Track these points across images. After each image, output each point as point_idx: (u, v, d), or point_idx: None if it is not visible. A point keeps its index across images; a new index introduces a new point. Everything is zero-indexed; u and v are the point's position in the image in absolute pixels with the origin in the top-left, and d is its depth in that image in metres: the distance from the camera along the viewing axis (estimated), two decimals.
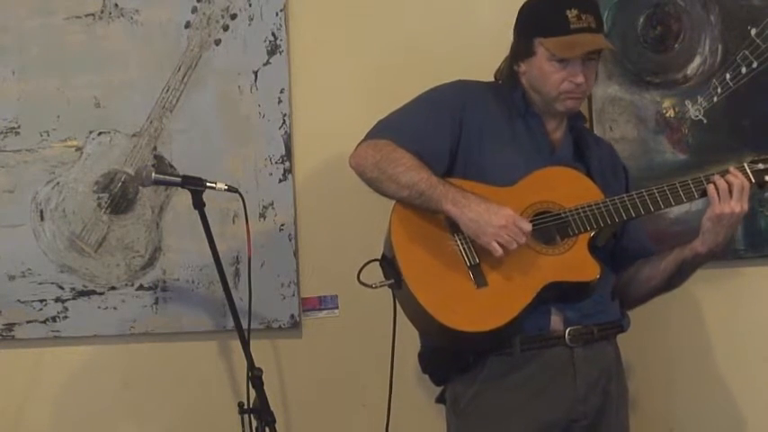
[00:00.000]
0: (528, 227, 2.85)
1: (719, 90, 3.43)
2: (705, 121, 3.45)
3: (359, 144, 2.99)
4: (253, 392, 3.12)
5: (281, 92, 3.62)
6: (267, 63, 3.63)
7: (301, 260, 3.63)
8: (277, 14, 3.62)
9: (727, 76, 3.43)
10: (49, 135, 3.71)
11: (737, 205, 2.87)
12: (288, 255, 3.61)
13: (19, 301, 3.71)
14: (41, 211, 3.72)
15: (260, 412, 3.10)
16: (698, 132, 3.46)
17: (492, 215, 2.83)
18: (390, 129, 2.97)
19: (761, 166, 2.89)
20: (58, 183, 3.71)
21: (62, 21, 3.70)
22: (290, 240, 3.62)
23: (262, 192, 3.62)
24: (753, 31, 3.41)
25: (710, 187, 2.87)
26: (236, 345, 3.25)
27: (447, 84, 3.06)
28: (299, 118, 3.64)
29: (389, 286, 2.96)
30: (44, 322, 3.71)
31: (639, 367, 3.13)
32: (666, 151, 3.47)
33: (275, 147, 3.62)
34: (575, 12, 2.90)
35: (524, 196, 2.92)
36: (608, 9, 3.44)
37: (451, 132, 2.97)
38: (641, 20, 3.47)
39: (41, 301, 3.71)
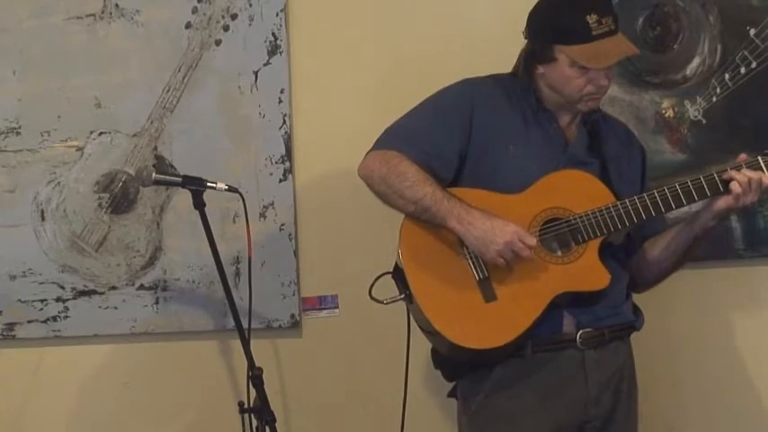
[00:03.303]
0: (533, 241, 2.83)
1: (718, 90, 3.43)
2: (704, 122, 3.45)
3: (367, 153, 2.96)
4: (253, 392, 3.12)
5: (281, 92, 3.62)
6: (267, 63, 3.63)
7: (301, 260, 3.63)
8: (277, 14, 3.62)
9: (727, 76, 3.43)
10: (49, 135, 3.72)
11: (755, 196, 2.86)
12: (288, 255, 3.62)
13: (20, 300, 3.72)
14: (42, 211, 3.72)
15: (260, 412, 3.10)
16: (697, 132, 3.46)
17: (497, 232, 2.81)
18: (398, 137, 2.95)
19: None
20: (58, 183, 3.72)
21: (62, 21, 3.70)
22: (290, 240, 3.62)
23: (262, 192, 3.62)
24: (752, 32, 3.41)
25: (735, 184, 2.83)
26: (237, 344, 3.26)
27: (454, 85, 3.02)
28: (299, 118, 3.64)
29: (401, 300, 2.94)
30: (45, 322, 3.71)
31: (639, 367, 3.12)
32: (666, 151, 3.47)
33: (275, 147, 3.62)
34: (594, 17, 2.84)
35: (534, 203, 2.90)
36: None
37: (461, 136, 2.94)
38: (640, 20, 3.46)
39: (42, 300, 3.71)
